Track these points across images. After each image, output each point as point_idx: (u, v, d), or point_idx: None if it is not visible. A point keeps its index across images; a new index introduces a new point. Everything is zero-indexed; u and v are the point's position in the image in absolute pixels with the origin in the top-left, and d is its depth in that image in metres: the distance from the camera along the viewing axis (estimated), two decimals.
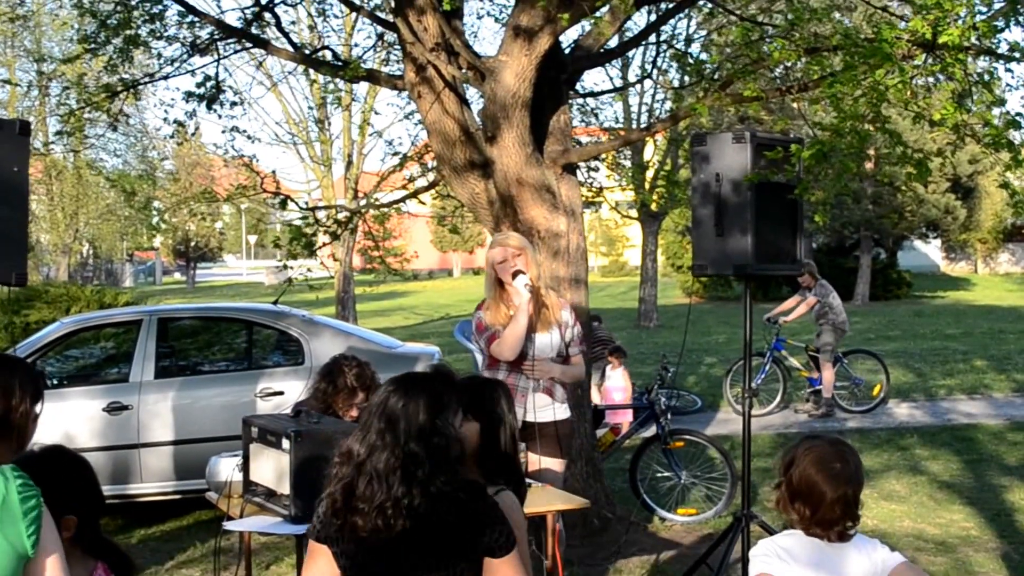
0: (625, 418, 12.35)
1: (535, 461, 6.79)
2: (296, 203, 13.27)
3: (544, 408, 6.88)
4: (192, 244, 74.68)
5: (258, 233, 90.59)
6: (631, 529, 9.39)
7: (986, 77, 7.25)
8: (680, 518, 10.14)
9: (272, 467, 5.63)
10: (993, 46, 7.11)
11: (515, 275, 6.73)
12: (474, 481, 3.81)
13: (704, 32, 22.83)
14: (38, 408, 3.73)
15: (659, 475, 10.66)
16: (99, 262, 66.88)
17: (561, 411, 7.01)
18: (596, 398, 12.85)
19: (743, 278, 7.64)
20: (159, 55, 11.86)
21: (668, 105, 28.64)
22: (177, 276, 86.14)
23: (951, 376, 18.56)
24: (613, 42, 11.14)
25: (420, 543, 3.56)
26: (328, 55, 11.91)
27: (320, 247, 12.47)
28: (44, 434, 4.43)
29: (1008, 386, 17.38)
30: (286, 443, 5.43)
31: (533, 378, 6.85)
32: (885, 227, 40.70)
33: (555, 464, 6.93)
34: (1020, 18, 6.36)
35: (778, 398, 15.90)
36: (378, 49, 16.34)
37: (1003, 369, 19.23)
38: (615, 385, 13.41)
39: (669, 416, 10.70)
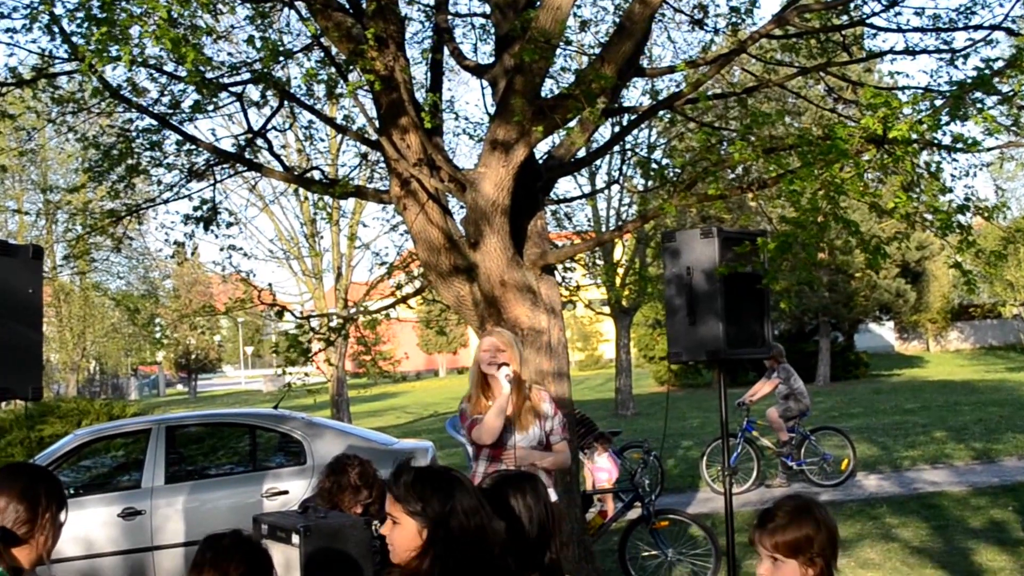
0: (612, 502, 12.27)
1: None
2: (292, 313, 13.25)
3: None
4: (192, 357, 74.45)
5: (255, 344, 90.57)
6: None
7: (932, 167, 7.34)
8: None
9: (282, 561, 5.56)
10: (937, 139, 7.20)
11: (499, 367, 6.74)
12: None
13: (665, 140, 23.02)
14: (63, 516, 3.68)
15: (646, 554, 10.56)
16: (105, 377, 66.68)
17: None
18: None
19: (716, 363, 7.63)
20: (159, 181, 11.85)
21: (634, 208, 28.82)
22: (179, 387, 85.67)
23: (913, 448, 18.48)
24: (582, 152, 11.23)
25: None
26: (317, 175, 11.96)
27: (315, 354, 12.42)
28: (64, 541, 4.38)
29: (967, 455, 17.32)
30: (296, 538, 5.39)
31: (513, 465, 6.81)
32: (841, 312, 40.82)
33: None
34: (960, 112, 6.45)
35: (753, 476, 15.80)
36: (363, 167, 16.45)
37: (961, 439, 19.17)
38: (601, 469, 13.30)
39: (654, 497, 10.64)
